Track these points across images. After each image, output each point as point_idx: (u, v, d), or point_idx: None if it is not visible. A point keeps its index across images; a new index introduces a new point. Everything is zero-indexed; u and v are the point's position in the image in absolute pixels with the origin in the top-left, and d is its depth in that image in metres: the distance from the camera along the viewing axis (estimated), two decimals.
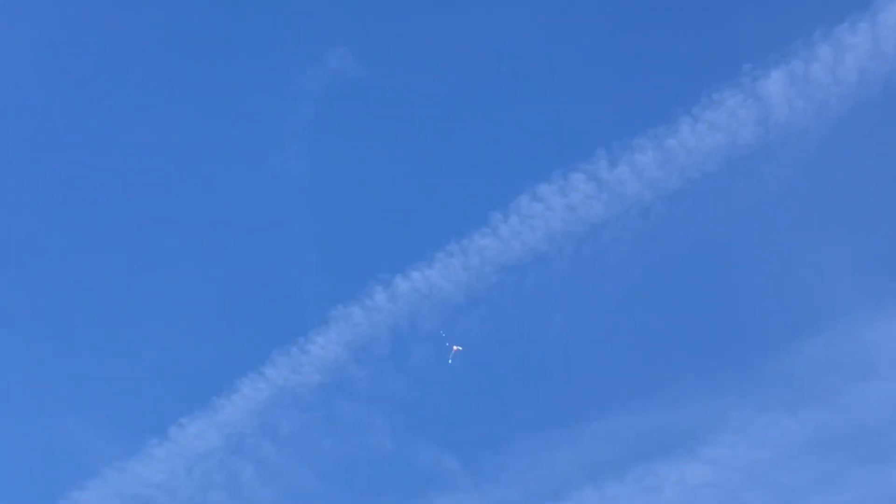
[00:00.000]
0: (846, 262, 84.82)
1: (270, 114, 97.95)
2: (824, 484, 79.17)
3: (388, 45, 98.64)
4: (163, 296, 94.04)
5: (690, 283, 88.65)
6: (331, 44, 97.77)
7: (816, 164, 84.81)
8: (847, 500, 78.09)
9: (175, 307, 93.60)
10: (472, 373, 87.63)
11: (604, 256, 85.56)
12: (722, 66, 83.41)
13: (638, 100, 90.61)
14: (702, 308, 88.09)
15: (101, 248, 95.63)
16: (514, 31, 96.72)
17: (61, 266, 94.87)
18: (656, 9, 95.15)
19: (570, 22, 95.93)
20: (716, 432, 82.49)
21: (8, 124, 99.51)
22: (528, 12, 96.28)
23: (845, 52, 79.35)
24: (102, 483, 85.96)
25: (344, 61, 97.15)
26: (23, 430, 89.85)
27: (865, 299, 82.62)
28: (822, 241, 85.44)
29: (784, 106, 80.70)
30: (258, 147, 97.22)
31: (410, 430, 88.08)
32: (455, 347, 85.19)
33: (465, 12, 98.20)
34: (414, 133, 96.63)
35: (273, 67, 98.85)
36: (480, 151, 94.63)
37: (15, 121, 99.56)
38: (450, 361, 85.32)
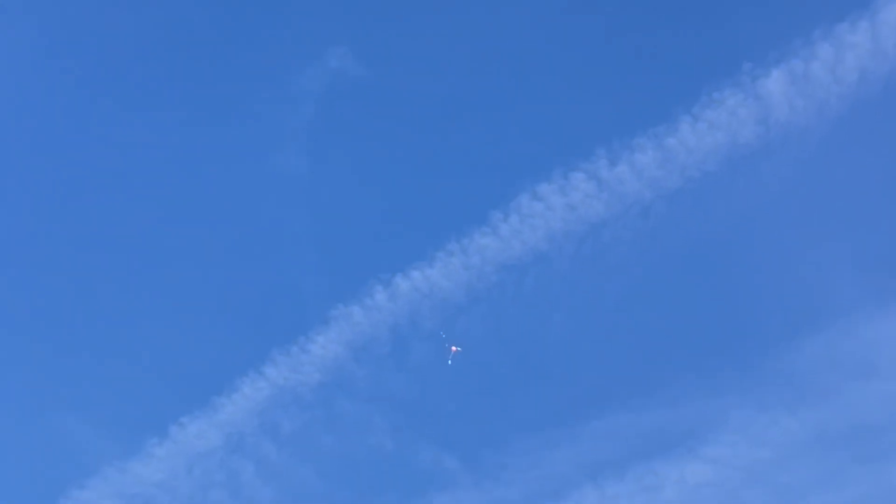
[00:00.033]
0: (846, 261, 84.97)
1: (270, 113, 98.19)
2: (824, 483, 79.26)
3: (388, 44, 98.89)
4: (163, 295, 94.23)
5: (690, 282, 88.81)
6: (331, 43, 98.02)
7: (816, 164, 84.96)
8: (847, 498, 78.13)
9: (175, 307, 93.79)
10: (472, 372, 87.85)
11: (604, 256, 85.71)
12: (722, 65, 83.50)
13: (638, 99, 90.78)
14: (702, 307, 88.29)
15: (101, 247, 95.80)
16: (514, 31, 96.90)
17: (61, 266, 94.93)
18: (656, 9, 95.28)
19: (569, 22, 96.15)
20: (716, 431, 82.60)
21: (8, 124, 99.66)
22: (528, 12, 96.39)
23: (845, 51, 79.40)
24: (102, 482, 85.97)
25: (344, 61, 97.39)
26: (23, 429, 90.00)
27: (865, 298, 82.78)
28: (823, 239, 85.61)
29: (784, 105, 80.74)
30: (258, 146, 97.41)
31: (410, 430, 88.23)
32: (454, 348, 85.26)
33: (464, 12, 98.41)
34: (414, 133, 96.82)
35: (273, 67, 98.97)
36: (480, 151, 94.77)
37: (15, 121, 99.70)
38: (449, 363, 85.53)
